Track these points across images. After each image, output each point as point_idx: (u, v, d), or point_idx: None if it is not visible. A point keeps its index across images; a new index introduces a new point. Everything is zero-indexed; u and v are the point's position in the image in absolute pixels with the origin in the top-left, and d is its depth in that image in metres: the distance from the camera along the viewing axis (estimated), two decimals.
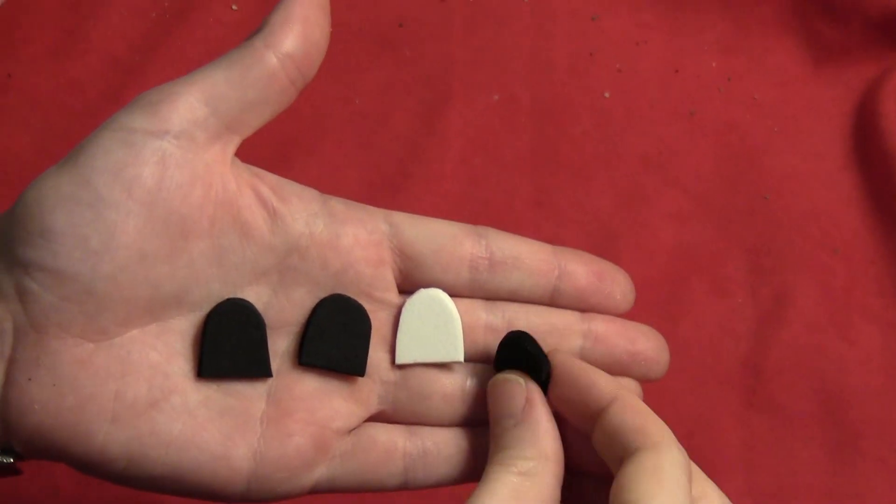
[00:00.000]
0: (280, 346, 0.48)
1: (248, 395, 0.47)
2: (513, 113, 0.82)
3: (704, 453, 0.73)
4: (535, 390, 0.47)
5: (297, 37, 0.46)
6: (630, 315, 0.74)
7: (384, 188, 0.79)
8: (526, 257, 0.50)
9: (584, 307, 0.51)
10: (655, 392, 0.75)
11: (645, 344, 0.51)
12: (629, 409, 0.45)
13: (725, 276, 0.78)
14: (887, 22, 0.83)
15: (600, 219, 0.79)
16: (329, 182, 0.79)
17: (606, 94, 0.82)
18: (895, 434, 0.73)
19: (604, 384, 0.46)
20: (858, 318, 0.76)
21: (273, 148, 0.78)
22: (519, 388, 0.47)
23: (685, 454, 0.44)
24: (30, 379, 0.43)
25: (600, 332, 0.51)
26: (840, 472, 0.73)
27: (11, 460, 0.45)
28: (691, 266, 0.78)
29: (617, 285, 0.52)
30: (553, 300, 0.51)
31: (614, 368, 0.51)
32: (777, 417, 0.74)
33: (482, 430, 0.50)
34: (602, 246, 0.78)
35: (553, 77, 0.83)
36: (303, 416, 0.47)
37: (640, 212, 0.79)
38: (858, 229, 0.79)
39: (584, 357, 0.50)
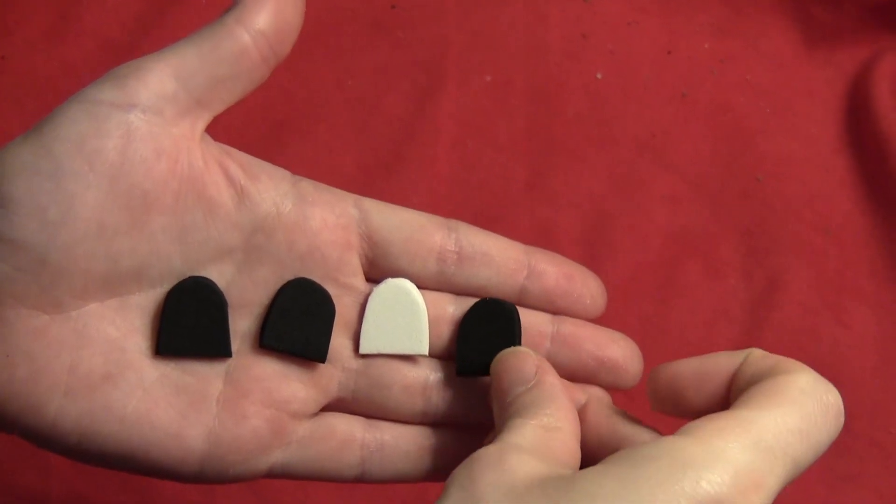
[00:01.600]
0: (241, 326, 0.47)
1: (206, 375, 0.47)
2: (506, 95, 0.82)
3: None
4: (543, 359, 0.47)
5: (269, 14, 0.46)
6: (624, 296, 0.75)
7: (378, 171, 0.79)
8: (496, 254, 0.50)
9: (552, 309, 0.50)
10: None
11: (615, 351, 0.50)
12: (763, 355, 0.44)
13: (719, 258, 0.78)
14: (880, 4, 0.83)
15: (594, 201, 0.79)
16: (322, 165, 0.79)
17: (599, 76, 0.82)
18: (888, 415, 0.74)
19: (722, 356, 0.45)
20: (851, 300, 0.77)
21: (266, 130, 0.78)
22: (529, 357, 0.46)
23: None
24: None
25: (568, 334, 0.50)
26: (833, 453, 0.72)
27: None
28: (685, 248, 0.78)
29: (587, 289, 0.51)
30: (521, 300, 0.50)
31: (580, 374, 0.50)
32: None
33: (442, 429, 0.50)
34: (596, 229, 0.78)
35: (546, 59, 0.83)
36: (260, 397, 0.47)
37: (633, 194, 0.79)
38: (851, 211, 0.79)
39: (550, 360, 0.49)
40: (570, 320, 0.50)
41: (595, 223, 0.78)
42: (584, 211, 0.79)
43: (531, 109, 0.81)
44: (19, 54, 0.80)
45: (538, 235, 0.77)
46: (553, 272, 0.50)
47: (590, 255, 0.77)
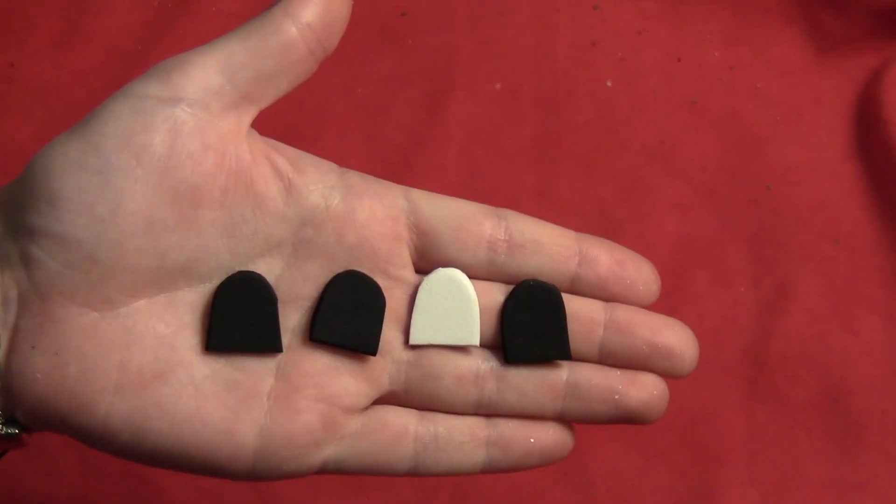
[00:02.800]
0: (291, 320, 0.47)
1: (257, 370, 0.46)
2: (515, 103, 0.82)
3: (707, 443, 0.74)
4: None
5: (317, 7, 0.45)
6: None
7: (386, 178, 0.78)
8: (546, 241, 0.49)
9: (605, 296, 0.49)
10: None
11: (670, 336, 0.49)
12: None
13: (728, 265, 0.78)
14: (889, 12, 0.83)
15: (602, 208, 0.79)
16: None
17: (609, 84, 0.82)
18: None
19: None
20: (861, 308, 0.76)
21: (275, 137, 0.78)
22: None
23: None
24: (33, 347, 0.43)
25: (622, 321, 0.48)
26: (843, 462, 0.73)
27: (17, 431, 0.45)
28: (694, 256, 0.78)
29: (640, 275, 0.49)
30: (573, 287, 0.49)
31: (635, 361, 0.49)
32: (780, 407, 0.74)
33: (496, 420, 0.49)
34: (604, 236, 0.76)
35: (555, 67, 0.83)
36: (312, 392, 0.46)
37: (642, 202, 0.79)
38: (861, 219, 0.79)
39: (604, 347, 0.48)
40: (623, 307, 0.49)
41: (603, 230, 0.78)
42: (593, 218, 0.79)
43: (540, 117, 0.81)
44: (28, 61, 0.81)
45: None
46: (605, 258, 0.49)
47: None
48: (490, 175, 0.79)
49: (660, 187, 0.80)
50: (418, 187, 0.77)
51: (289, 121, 0.79)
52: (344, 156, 0.79)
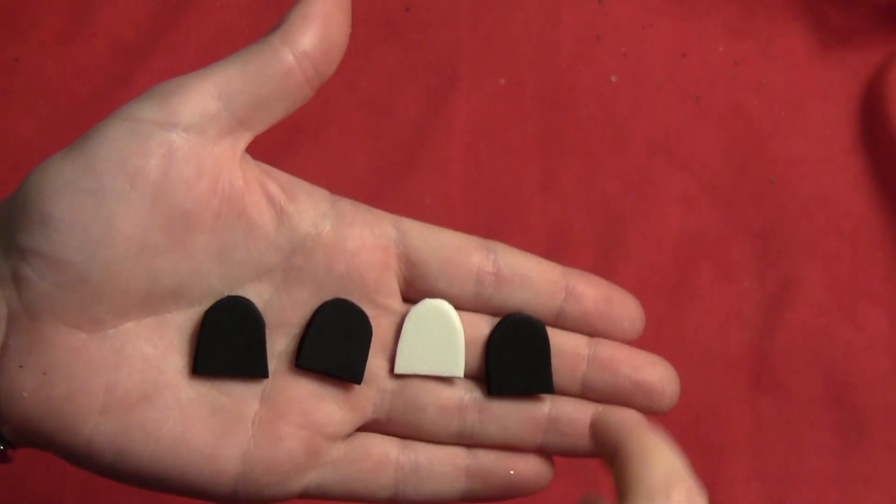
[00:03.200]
0: (278, 346, 0.47)
1: (242, 395, 0.46)
2: (519, 98, 0.82)
3: (711, 437, 0.74)
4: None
5: (315, 35, 0.45)
6: (637, 298, 0.75)
7: (391, 174, 0.79)
8: (534, 276, 0.49)
9: (590, 331, 0.50)
10: None
11: (651, 374, 0.50)
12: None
13: (732, 260, 0.78)
14: (894, 6, 0.83)
15: (607, 203, 0.79)
16: (335, 167, 0.79)
17: (613, 79, 0.82)
18: None
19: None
20: (865, 302, 0.76)
21: (279, 134, 0.77)
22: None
23: None
24: (21, 366, 0.43)
25: (605, 357, 0.49)
26: (847, 455, 0.73)
27: (1, 448, 0.45)
28: (698, 250, 0.78)
29: (626, 311, 0.50)
30: (558, 321, 0.50)
31: (617, 397, 0.50)
32: (784, 401, 0.74)
33: (477, 450, 0.50)
34: (609, 231, 0.78)
35: (559, 61, 0.83)
36: (296, 419, 0.47)
37: (646, 196, 0.79)
38: (865, 213, 0.79)
39: (586, 383, 0.49)
40: (606, 342, 0.50)
41: (608, 225, 0.78)
42: (597, 213, 0.79)
43: (544, 112, 0.81)
44: (32, 57, 0.80)
45: (551, 237, 0.77)
46: (591, 294, 0.50)
47: (602, 257, 0.77)
48: (494, 170, 0.79)
49: (664, 181, 0.80)
50: (422, 182, 0.78)
51: (293, 117, 0.79)
52: (348, 151, 0.80)
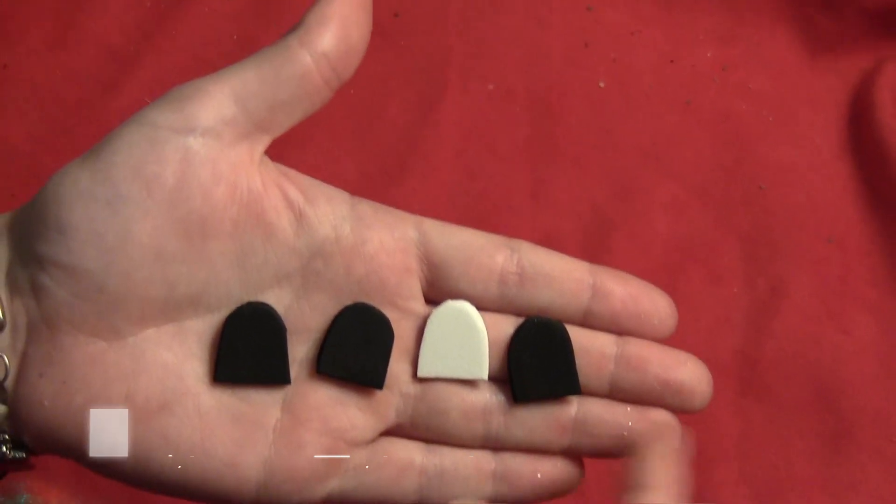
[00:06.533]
0: (299, 352, 0.47)
1: (263, 402, 0.46)
2: (509, 103, 0.82)
3: (700, 442, 0.73)
4: None
5: (333, 36, 0.44)
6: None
7: (380, 179, 0.79)
8: (559, 274, 0.48)
9: (618, 330, 0.48)
10: None
11: (682, 373, 0.48)
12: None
13: (721, 265, 0.78)
14: (883, 12, 0.83)
15: (596, 209, 0.79)
16: (324, 174, 0.78)
17: (601, 84, 0.82)
18: (890, 424, 0.73)
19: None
20: (853, 307, 0.76)
21: None
22: None
23: None
24: (40, 375, 0.43)
25: (633, 356, 0.48)
26: (835, 461, 0.73)
27: (24, 455, 0.45)
28: (687, 256, 0.78)
29: (655, 309, 0.49)
30: (586, 321, 0.48)
31: (646, 397, 0.48)
32: (772, 407, 0.74)
33: (503, 454, 0.49)
34: (598, 236, 0.78)
35: (549, 67, 0.83)
36: (317, 426, 0.46)
37: (635, 202, 0.79)
38: (853, 219, 0.79)
39: (614, 383, 0.48)
40: (635, 341, 0.48)
41: (597, 230, 0.78)
42: (586, 218, 0.79)
43: (533, 117, 0.81)
44: (21, 62, 0.80)
45: (540, 242, 0.77)
46: (619, 292, 0.48)
47: (592, 262, 0.77)
48: (484, 176, 0.79)
49: (653, 187, 0.80)
50: (412, 188, 0.78)
51: None
52: (337, 157, 0.79)
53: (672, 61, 0.83)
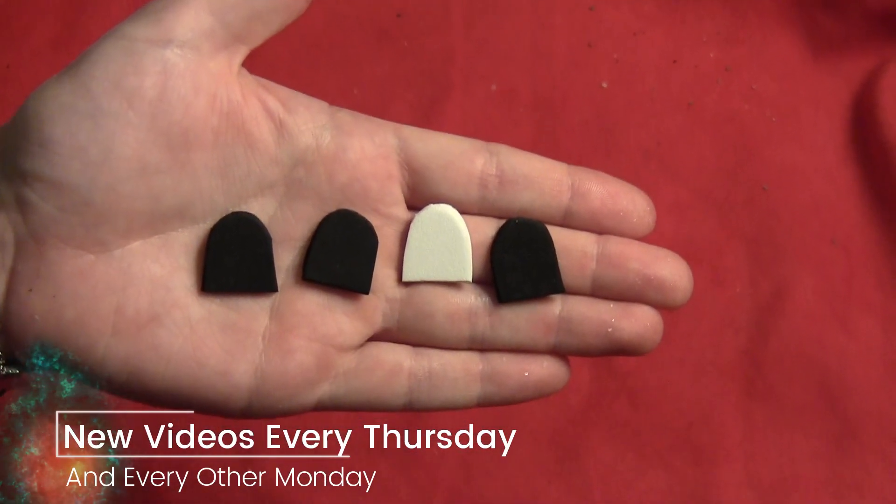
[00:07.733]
0: (285, 260, 0.47)
1: (252, 311, 0.47)
2: (512, 104, 0.82)
3: (704, 443, 0.74)
4: None
5: None
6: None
7: None
8: (538, 176, 0.48)
9: (598, 229, 0.49)
10: (655, 381, 0.75)
11: (662, 268, 0.49)
12: None
13: (725, 267, 0.78)
14: (886, 14, 0.83)
15: None
16: None
17: (604, 85, 0.82)
18: (894, 425, 0.74)
19: None
20: (858, 309, 0.76)
21: None
22: None
23: None
24: (30, 290, 0.43)
25: (614, 254, 0.48)
26: (839, 462, 0.73)
27: (17, 371, 0.45)
28: (691, 257, 0.77)
29: (634, 207, 0.49)
30: (566, 221, 0.49)
31: (628, 294, 0.48)
32: (777, 408, 0.74)
33: (490, 355, 0.49)
34: None
35: (551, 68, 0.83)
36: (305, 332, 0.47)
37: None
38: (857, 221, 0.79)
39: (596, 281, 0.48)
40: (615, 239, 0.49)
41: None
42: None
43: (536, 118, 0.81)
44: (24, 63, 0.80)
45: None
46: (598, 191, 0.49)
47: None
48: None
49: (656, 188, 0.80)
50: None
51: None
52: None
53: (675, 62, 0.83)
